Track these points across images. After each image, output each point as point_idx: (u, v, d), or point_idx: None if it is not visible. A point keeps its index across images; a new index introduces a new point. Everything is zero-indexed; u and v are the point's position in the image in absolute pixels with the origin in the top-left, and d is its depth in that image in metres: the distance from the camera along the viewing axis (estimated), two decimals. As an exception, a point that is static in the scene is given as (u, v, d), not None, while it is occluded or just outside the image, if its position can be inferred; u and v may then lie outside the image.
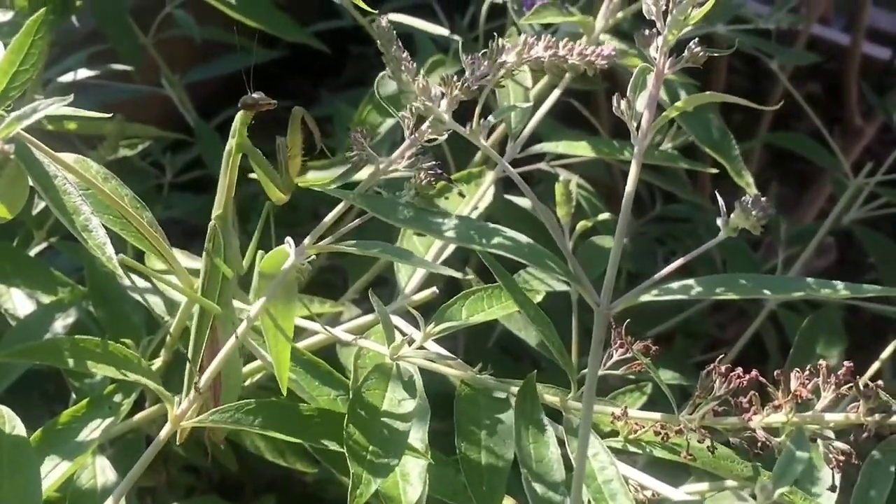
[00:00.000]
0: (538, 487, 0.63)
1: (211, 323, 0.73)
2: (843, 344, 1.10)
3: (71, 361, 0.68)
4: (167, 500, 1.03)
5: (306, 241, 0.67)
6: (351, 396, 0.67)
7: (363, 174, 0.67)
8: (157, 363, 0.83)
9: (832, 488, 0.61)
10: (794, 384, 0.62)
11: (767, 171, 1.80)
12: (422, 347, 0.72)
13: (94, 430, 0.73)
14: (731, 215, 0.57)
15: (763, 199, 0.57)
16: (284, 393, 0.68)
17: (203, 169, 1.36)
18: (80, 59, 1.21)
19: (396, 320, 0.75)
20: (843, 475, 0.60)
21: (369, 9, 0.79)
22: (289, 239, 0.67)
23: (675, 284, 0.58)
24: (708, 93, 0.61)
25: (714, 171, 1.04)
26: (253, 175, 0.87)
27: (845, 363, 0.61)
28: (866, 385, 0.59)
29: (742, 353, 1.18)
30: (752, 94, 0.60)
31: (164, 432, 0.71)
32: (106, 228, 0.65)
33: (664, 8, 0.56)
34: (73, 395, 0.85)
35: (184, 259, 0.81)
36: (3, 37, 0.71)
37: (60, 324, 0.89)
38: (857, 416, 0.60)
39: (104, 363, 0.69)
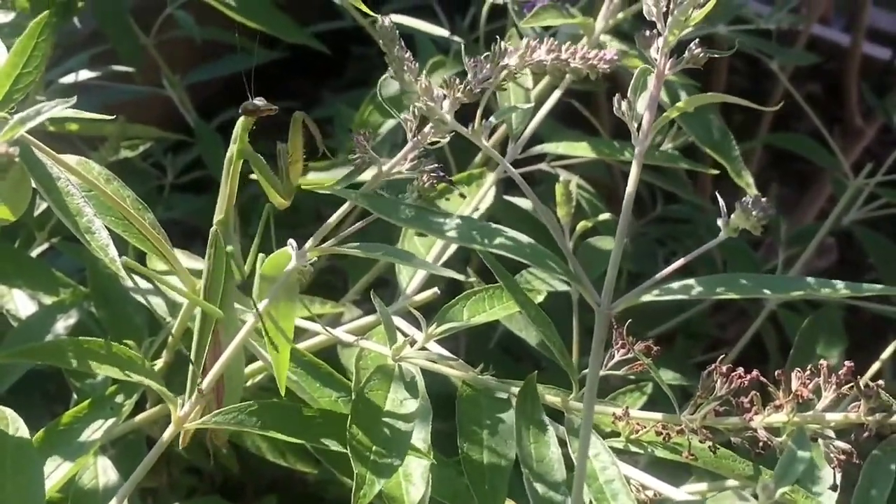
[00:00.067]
0: (539, 487, 0.64)
1: (213, 326, 0.73)
2: (844, 344, 1.10)
3: (75, 362, 0.68)
4: (169, 500, 1.03)
5: (308, 243, 0.67)
6: (354, 397, 0.67)
7: (365, 176, 0.67)
8: (159, 364, 0.83)
9: (833, 487, 0.61)
10: (795, 384, 0.62)
11: (768, 171, 1.80)
12: (423, 348, 0.72)
13: (95, 431, 0.74)
14: (732, 216, 0.57)
15: (763, 199, 0.57)
16: (283, 394, 0.68)
17: (204, 170, 1.36)
18: (82, 61, 1.21)
19: (398, 321, 0.75)
20: (845, 475, 0.60)
21: (369, 11, 0.79)
22: (291, 241, 0.67)
23: (675, 284, 0.58)
24: (708, 94, 0.61)
25: (715, 171, 1.04)
26: (254, 176, 0.87)
27: (846, 363, 0.61)
28: (867, 385, 0.60)
29: (742, 354, 1.18)
30: (752, 95, 0.60)
31: (167, 434, 0.71)
32: (108, 230, 0.65)
33: (665, 9, 0.56)
34: (75, 396, 0.86)
35: (185, 260, 0.81)
36: (5, 38, 0.71)
37: (62, 324, 0.90)
38: (858, 416, 0.60)
39: (108, 364, 0.69)
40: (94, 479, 0.80)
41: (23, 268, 0.93)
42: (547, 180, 1.11)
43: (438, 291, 0.80)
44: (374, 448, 0.63)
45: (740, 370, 0.64)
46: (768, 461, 0.64)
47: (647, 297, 0.58)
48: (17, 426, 0.66)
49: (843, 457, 0.60)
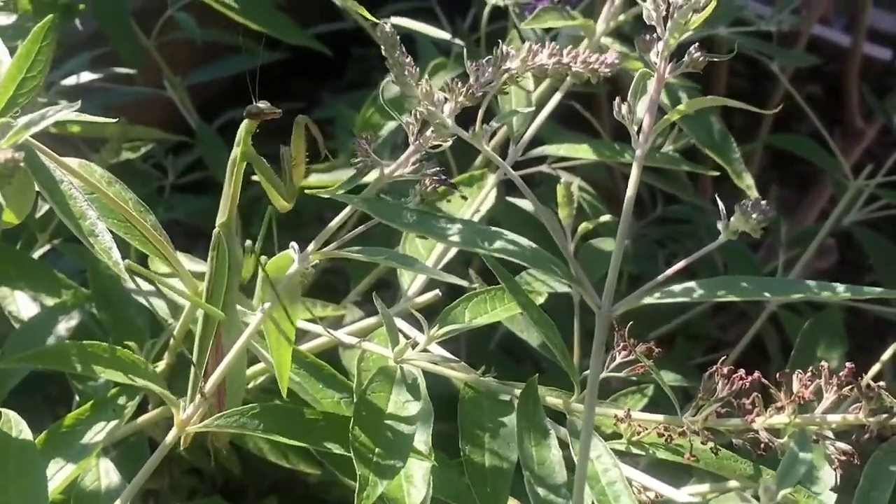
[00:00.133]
0: (540, 490, 0.64)
1: (216, 328, 0.73)
2: (844, 346, 1.10)
3: (79, 366, 0.68)
4: (170, 502, 1.03)
5: (310, 246, 0.67)
6: (356, 399, 0.67)
7: (367, 179, 0.67)
8: (161, 366, 0.83)
9: (833, 488, 0.61)
10: (796, 386, 0.62)
11: (768, 172, 1.80)
12: (425, 350, 0.72)
13: (98, 433, 0.74)
14: (732, 218, 0.58)
15: (763, 201, 0.57)
16: (284, 395, 0.68)
17: (205, 171, 1.36)
18: (83, 62, 1.22)
19: (399, 323, 0.76)
20: (846, 476, 0.60)
21: (370, 17, 0.79)
22: (293, 244, 0.67)
23: (676, 287, 0.58)
24: (708, 97, 0.61)
25: (715, 173, 1.04)
26: (256, 177, 0.88)
27: (847, 364, 0.61)
28: (868, 386, 0.60)
29: (743, 355, 1.18)
30: (752, 96, 0.60)
31: (170, 437, 0.72)
32: (111, 232, 0.66)
33: (664, 13, 0.56)
34: (77, 398, 0.86)
35: (187, 262, 0.81)
36: (7, 40, 0.71)
37: (64, 326, 0.90)
38: (859, 418, 0.60)
39: (111, 368, 0.69)
40: (97, 481, 0.80)
41: (25, 269, 0.93)
42: (547, 181, 1.11)
43: (440, 293, 0.80)
44: (376, 450, 0.64)
45: (741, 372, 0.64)
46: (770, 462, 0.64)
47: (648, 300, 0.58)
48: (21, 429, 0.66)
49: (843, 458, 0.60)
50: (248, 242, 0.71)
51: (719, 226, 0.58)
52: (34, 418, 0.69)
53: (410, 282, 0.87)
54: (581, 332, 0.93)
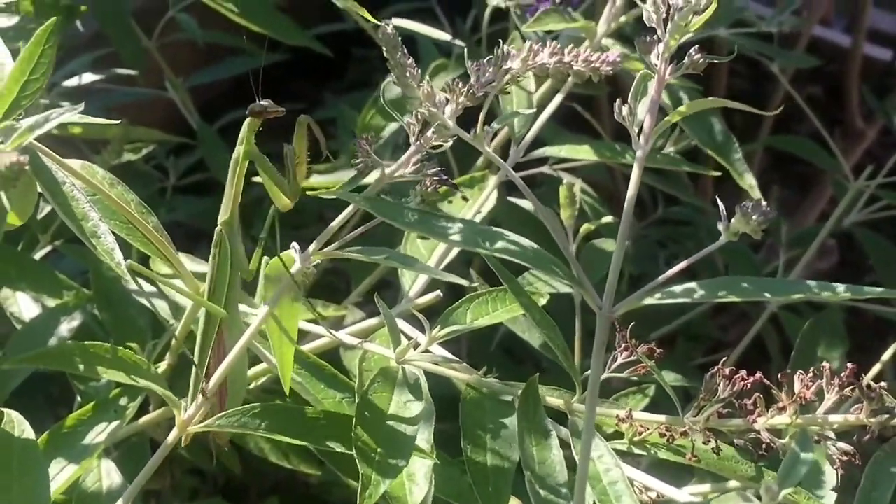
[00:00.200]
0: (541, 490, 0.64)
1: (217, 328, 0.73)
2: (845, 346, 1.11)
3: (81, 367, 0.68)
4: (172, 502, 1.04)
5: (312, 246, 0.67)
6: (358, 400, 0.67)
7: (368, 179, 0.67)
8: (163, 367, 0.83)
9: (833, 488, 0.62)
10: (797, 386, 0.62)
11: (769, 173, 1.80)
12: (426, 351, 0.73)
13: (99, 434, 0.74)
14: (732, 220, 0.58)
15: (763, 203, 0.57)
16: (287, 393, 0.69)
17: (206, 172, 1.36)
18: (85, 63, 1.22)
19: (400, 324, 0.76)
20: (847, 476, 0.61)
21: (371, 18, 0.79)
22: (294, 245, 0.67)
23: (677, 288, 0.58)
24: (709, 98, 0.61)
25: (716, 173, 1.04)
26: (257, 178, 0.88)
27: (849, 365, 0.61)
28: (869, 387, 0.60)
29: (744, 356, 1.18)
30: (753, 97, 0.60)
31: (171, 437, 0.72)
32: (113, 234, 0.66)
33: (664, 15, 0.56)
34: (79, 399, 0.86)
35: (188, 263, 0.82)
36: (9, 42, 0.71)
37: (66, 327, 0.90)
38: (860, 418, 0.60)
39: (113, 368, 0.69)
40: (98, 481, 0.80)
41: (26, 270, 0.93)
42: (548, 182, 1.11)
43: (441, 294, 0.81)
44: (378, 449, 0.64)
45: (743, 372, 0.64)
46: (771, 463, 0.64)
47: (648, 301, 0.58)
48: (23, 428, 0.67)
49: (845, 458, 0.60)
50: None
51: (720, 227, 0.58)
52: (36, 419, 0.69)
53: (412, 282, 0.87)
54: (582, 333, 0.93)
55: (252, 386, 0.85)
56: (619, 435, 0.70)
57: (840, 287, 0.57)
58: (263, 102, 0.68)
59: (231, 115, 1.41)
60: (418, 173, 0.65)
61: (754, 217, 0.56)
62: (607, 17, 0.99)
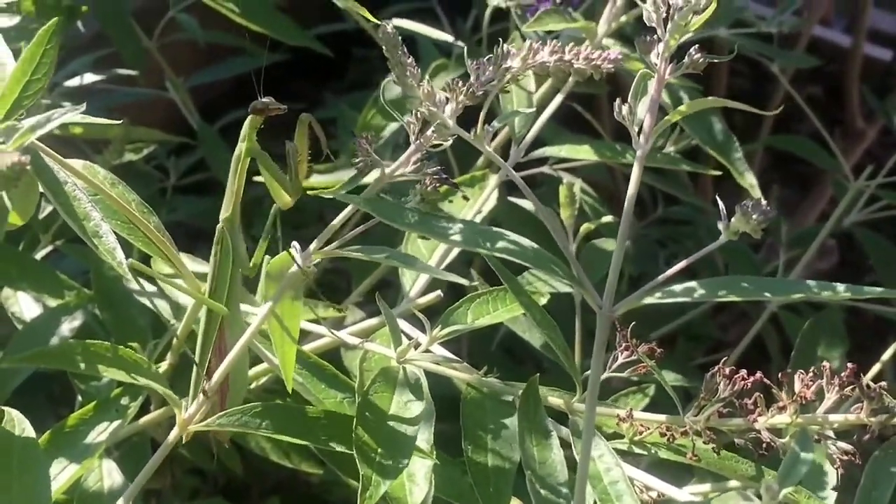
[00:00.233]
0: (542, 489, 0.64)
1: (219, 326, 0.73)
2: (845, 346, 1.11)
3: (82, 365, 0.68)
4: (172, 502, 1.04)
5: (312, 245, 0.68)
6: (359, 400, 0.67)
7: (368, 179, 0.67)
8: (164, 367, 0.83)
9: (833, 487, 0.62)
10: (797, 386, 0.62)
11: (769, 173, 1.80)
12: (427, 351, 0.73)
13: (101, 433, 0.74)
14: (732, 219, 0.58)
15: (763, 202, 0.57)
16: (290, 391, 0.69)
17: (206, 172, 1.36)
18: (86, 64, 1.22)
19: (401, 323, 0.76)
20: (847, 475, 0.61)
21: (371, 17, 0.79)
22: (295, 244, 0.67)
23: (677, 287, 0.58)
24: (709, 98, 0.61)
25: (716, 173, 1.04)
26: (258, 178, 0.88)
27: (849, 364, 0.61)
28: (869, 386, 0.60)
29: (744, 355, 1.18)
30: (753, 97, 0.60)
31: (172, 436, 0.72)
32: (114, 233, 0.66)
33: (664, 15, 0.57)
34: (80, 398, 0.86)
35: (189, 263, 0.82)
36: (10, 42, 0.71)
37: (67, 327, 0.90)
38: (860, 417, 0.60)
39: (114, 367, 0.69)
40: (100, 481, 0.80)
41: (27, 270, 0.93)
42: (549, 182, 1.11)
43: (442, 294, 0.81)
44: (379, 450, 0.64)
45: (743, 372, 0.64)
46: (771, 462, 0.64)
47: (649, 300, 0.58)
48: (24, 427, 0.67)
49: (845, 458, 0.60)
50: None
51: (720, 226, 0.58)
52: (37, 418, 0.69)
53: (412, 282, 0.87)
54: (582, 333, 0.93)
55: (253, 386, 0.85)
56: (619, 435, 0.70)
57: (840, 287, 0.57)
58: (265, 100, 0.68)
59: (231, 115, 1.41)
60: (418, 172, 0.65)
61: (754, 216, 0.57)
62: (607, 17, 0.99)
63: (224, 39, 1.37)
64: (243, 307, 0.75)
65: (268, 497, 1.13)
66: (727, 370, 0.64)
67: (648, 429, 0.69)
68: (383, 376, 0.69)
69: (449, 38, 1.07)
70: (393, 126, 1.04)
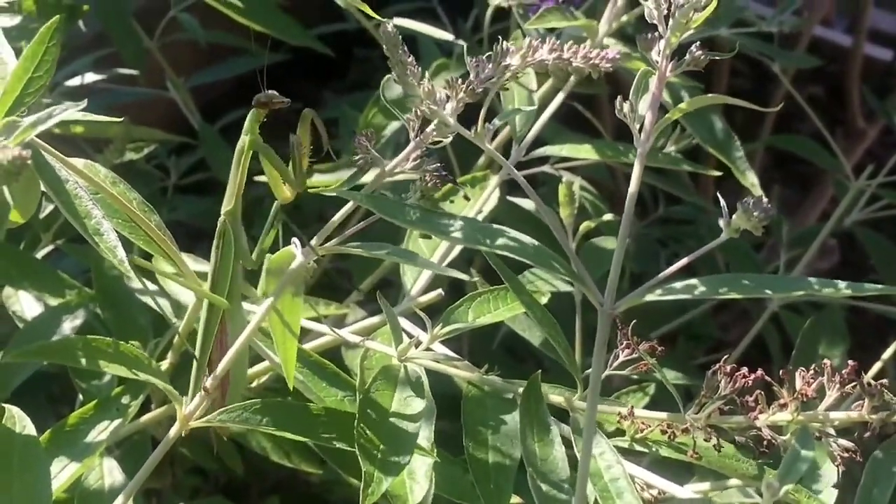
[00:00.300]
0: (543, 486, 0.64)
1: (219, 321, 0.73)
2: (846, 345, 1.11)
3: (83, 361, 0.68)
4: (173, 501, 1.04)
5: (313, 241, 0.68)
6: (360, 398, 0.67)
7: (369, 177, 0.67)
8: (165, 365, 0.83)
9: (834, 485, 0.62)
10: (798, 383, 0.62)
11: (770, 173, 1.81)
12: (428, 349, 0.73)
13: (102, 432, 0.74)
14: (733, 217, 0.58)
15: (764, 200, 0.57)
16: (291, 388, 0.69)
17: (207, 172, 1.36)
18: (87, 63, 1.22)
19: (402, 322, 0.76)
20: (847, 473, 0.61)
21: (373, 13, 0.79)
22: (295, 240, 0.67)
23: (678, 284, 0.58)
24: (710, 95, 0.61)
25: (717, 173, 1.04)
26: (259, 178, 0.88)
27: (850, 362, 0.61)
28: (870, 384, 0.60)
29: (745, 355, 1.18)
30: (754, 97, 0.60)
31: (173, 431, 0.72)
32: (115, 232, 0.66)
33: (666, 12, 0.57)
34: (80, 397, 0.86)
35: (190, 262, 0.82)
36: (11, 41, 0.72)
37: (68, 326, 0.90)
38: (861, 415, 0.60)
39: (115, 363, 0.69)
40: (100, 479, 0.80)
41: (28, 269, 0.93)
42: (550, 182, 1.11)
43: (443, 293, 0.81)
44: (380, 447, 0.64)
45: (744, 370, 0.64)
46: (772, 460, 0.64)
47: (650, 297, 0.58)
48: (25, 424, 0.67)
49: (846, 455, 0.60)
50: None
51: (721, 223, 0.58)
52: (38, 417, 0.69)
53: (413, 281, 0.88)
54: (583, 331, 0.93)
55: (254, 384, 0.85)
56: (620, 433, 0.70)
57: (841, 283, 0.57)
58: (269, 92, 0.68)
59: (232, 115, 1.41)
60: (418, 169, 0.65)
61: (755, 213, 0.57)
62: (609, 16, 0.99)
63: (225, 39, 1.37)
64: (245, 304, 0.75)
65: (268, 496, 1.13)
66: (728, 368, 0.64)
67: (649, 426, 0.69)
68: (384, 374, 0.69)
69: (450, 37, 1.07)
70: (394, 125, 1.04)
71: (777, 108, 0.71)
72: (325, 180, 1.00)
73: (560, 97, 0.99)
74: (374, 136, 0.66)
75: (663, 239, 1.43)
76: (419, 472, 0.67)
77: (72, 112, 0.58)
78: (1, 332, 0.94)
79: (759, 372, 0.64)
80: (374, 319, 0.85)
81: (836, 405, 0.62)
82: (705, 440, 0.65)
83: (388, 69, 0.63)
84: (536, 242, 0.61)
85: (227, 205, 0.71)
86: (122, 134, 1.10)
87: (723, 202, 0.59)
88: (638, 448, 0.69)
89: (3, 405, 0.68)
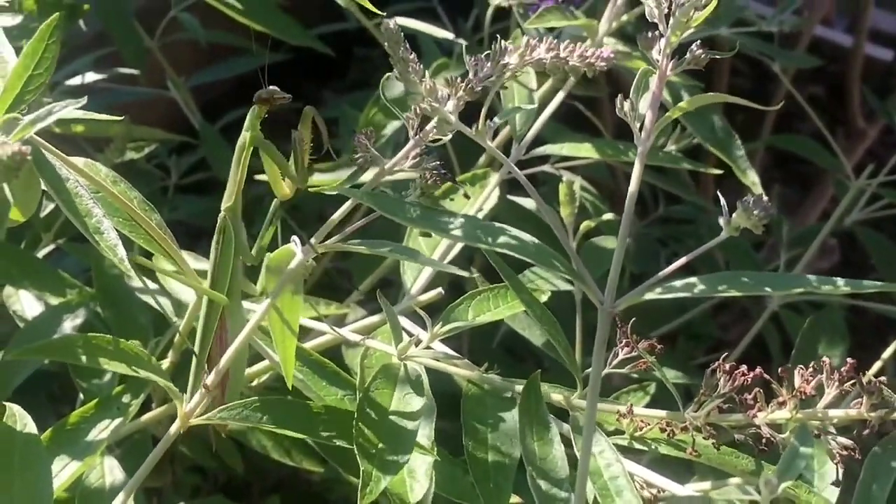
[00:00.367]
0: (543, 484, 0.64)
1: (219, 318, 0.73)
2: (846, 344, 1.11)
3: (84, 358, 0.68)
4: (173, 500, 1.04)
5: (313, 239, 0.68)
6: (360, 396, 0.67)
7: (368, 175, 0.67)
8: (165, 364, 0.83)
9: (836, 483, 0.62)
10: (797, 381, 0.62)
11: (770, 172, 1.81)
12: (428, 347, 0.73)
13: (102, 431, 0.74)
14: (733, 215, 0.58)
15: (765, 198, 0.57)
16: (290, 386, 0.69)
17: (208, 171, 1.37)
18: (87, 63, 1.22)
19: (402, 321, 0.76)
20: (846, 471, 0.61)
21: (375, 9, 0.79)
22: (294, 238, 0.67)
23: (678, 282, 0.59)
24: (710, 94, 0.61)
25: (717, 171, 1.04)
26: (259, 177, 0.88)
27: (848, 360, 0.61)
28: (869, 381, 0.60)
29: (745, 354, 1.18)
30: (755, 97, 0.60)
31: (173, 428, 0.72)
32: (116, 230, 0.66)
33: (666, 11, 0.57)
34: (81, 396, 0.86)
35: (191, 261, 0.82)
36: (13, 41, 0.72)
37: (69, 325, 0.90)
38: (860, 413, 0.61)
39: (116, 360, 0.70)
40: (101, 478, 0.80)
41: (29, 269, 0.93)
42: (550, 182, 1.11)
43: (443, 292, 0.81)
44: (379, 445, 0.64)
45: (743, 368, 0.64)
46: (771, 458, 0.64)
47: (649, 296, 0.58)
48: (26, 422, 0.67)
49: (845, 453, 0.60)
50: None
51: (721, 222, 0.58)
52: (38, 416, 0.69)
53: (413, 280, 0.88)
54: (583, 331, 0.93)
55: (255, 383, 0.85)
56: (620, 431, 0.70)
57: (840, 281, 0.58)
58: (270, 89, 0.68)
59: (233, 114, 1.41)
60: (417, 167, 0.65)
61: (755, 212, 0.57)
62: (609, 16, 0.99)
63: (225, 39, 1.37)
64: (245, 303, 0.75)
65: (268, 495, 1.14)
66: (727, 366, 0.64)
67: (648, 424, 0.69)
68: (384, 373, 0.69)
69: (450, 35, 1.07)
70: (395, 124, 1.04)
71: (777, 107, 0.71)
72: (325, 179, 1.00)
73: (560, 96, 0.99)
74: (373, 135, 0.66)
75: (663, 238, 1.43)
76: (419, 471, 0.67)
77: (72, 110, 0.59)
78: (2, 332, 0.95)
79: (758, 370, 0.64)
80: (375, 318, 0.85)
81: (835, 403, 0.62)
82: (704, 438, 0.65)
83: (388, 68, 0.63)
84: (537, 241, 0.61)
85: (226, 201, 0.71)
86: (122, 133, 1.10)
87: (723, 201, 0.59)
88: (637, 446, 0.69)
89: (4, 403, 0.68)
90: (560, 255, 0.60)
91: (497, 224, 0.61)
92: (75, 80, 1.19)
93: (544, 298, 0.85)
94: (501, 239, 0.60)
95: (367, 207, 0.64)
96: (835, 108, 1.75)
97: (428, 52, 1.18)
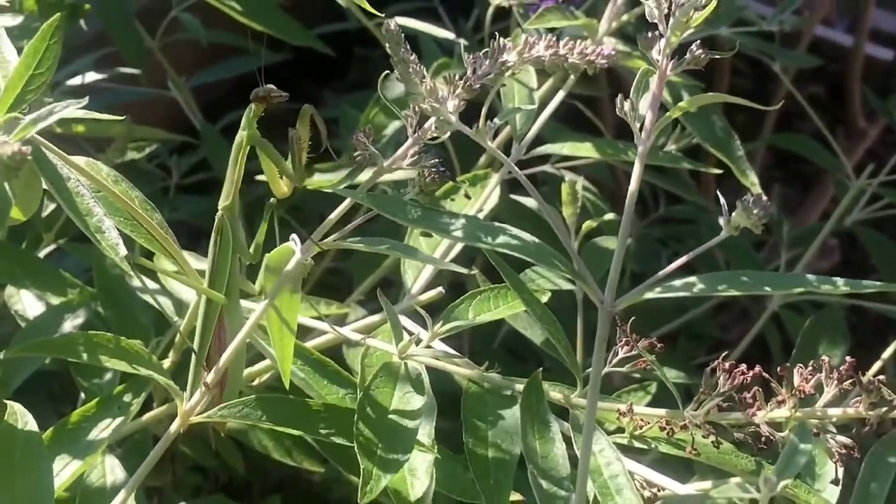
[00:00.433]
0: (544, 482, 0.64)
1: (218, 317, 0.73)
2: (846, 344, 1.11)
3: (85, 356, 0.69)
4: (174, 499, 1.04)
5: (312, 237, 0.68)
6: (360, 395, 0.67)
7: (367, 174, 0.68)
8: (167, 364, 0.83)
9: (835, 482, 0.62)
10: (797, 380, 0.62)
11: (771, 172, 1.81)
12: (429, 346, 0.73)
13: (103, 430, 0.74)
14: (733, 214, 0.58)
15: (764, 197, 0.57)
16: (287, 385, 0.69)
17: (209, 171, 1.37)
18: (88, 63, 1.22)
19: (403, 320, 0.76)
20: (846, 469, 0.61)
21: (374, 10, 0.79)
22: (294, 236, 0.68)
23: (678, 282, 0.59)
24: (710, 94, 0.61)
25: (717, 171, 1.04)
26: (259, 177, 0.88)
27: (847, 359, 0.61)
28: (868, 380, 0.60)
29: (745, 354, 1.18)
30: (755, 96, 0.61)
31: (173, 427, 0.72)
32: (117, 230, 0.66)
33: (666, 11, 0.57)
34: (82, 395, 0.86)
35: (191, 260, 0.82)
36: (14, 40, 0.72)
37: (70, 324, 0.90)
38: (859, 411, 0.61)
39: (116, 358, 0.70)
40: (102, 477, 0.80)
41: (30, 269, 0.93)
42: (550, 182, 1.11)
43: (443, 291, 0.81)
44: (380, 444, 0.64)
45: (743, 366, 0.64)
46: (771, 457, 0.64)
47: (650, 295, 0.58)
48: (27, 421, 0.67)
49: (844, 451, 0.60)
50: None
51: (721, 221, 0.58)
52: (39, 416, 0.69)
53: (414, 279, 0.88)
54: (584, 330, 0.93)
55: (256, 382, 0.85)
56: (620, 430, 0.70)
57: (839, 280, 0.58)
58: (267, 87, 0.68)
59: (234, 114, 1.41)
60: (416, 165, 0.65)
61: (755, 211, 0.57)
62: (609, 16, 1.00)
63: (226, 39, 1.37)
64: (244, 302, 0.75)
65: (269, 495, 1.14)
66: (727, 365, 0.64)
67: (648, 423, 0.69)
68: (385, 371, 0.69)
69: (450, 35, 1.08)
70: (396, 124, 1.04)
71: (778, 107, 0.71)
72: (325, 179, 1.00)
73: (560, 95, 1.00)
74: (372, 133, 0.66)
75: (664, 238, 1.43)
76: (420, 469, 0.67)
77: (73, 110, 0.59)
78: (3, 332, 0.95)
79: (758, 369, 0.64)
80: (375, 318, 0.85)
81: (835, 402, 0.62)
82: (704, 437, 0.66)
83: (388, 68, 0.63)
84: (538, 240, 0.61)
85: (224, 200, 0.71)
86: (123, 133, 1.10)
87: (723, 200, 0.59)
88: (638, 445, 0.69)
89: (6, 402, 0.68)
90: (561, 254, 0.60)
91: (498, 224, 0.61)
92: (76, 80, 1.20)
93: (545, 298, 0.85)
94: (502, 239, 0.60)
95: (367, 206, 0.64)
96: (835, 107, 1.75)
97: (428, 52, 1.18)
